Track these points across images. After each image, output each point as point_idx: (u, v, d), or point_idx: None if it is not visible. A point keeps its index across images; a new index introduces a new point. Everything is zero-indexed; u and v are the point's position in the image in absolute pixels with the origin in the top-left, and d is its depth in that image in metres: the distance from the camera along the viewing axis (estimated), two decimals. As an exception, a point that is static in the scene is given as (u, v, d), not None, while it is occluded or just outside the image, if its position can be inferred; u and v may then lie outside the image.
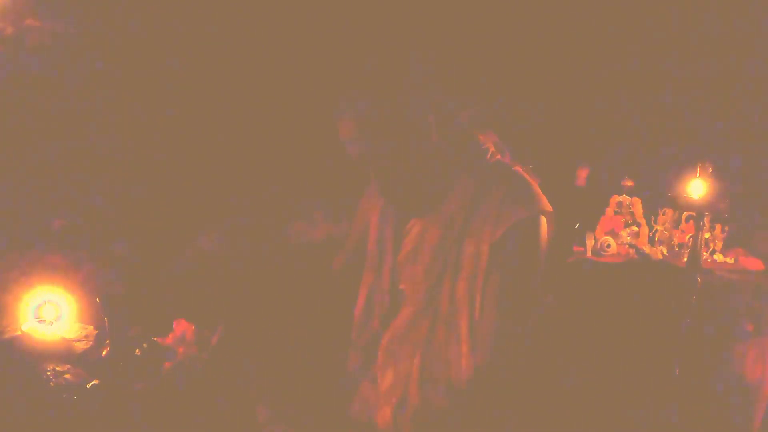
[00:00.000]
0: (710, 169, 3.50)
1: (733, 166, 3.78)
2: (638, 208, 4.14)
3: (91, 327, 2.07)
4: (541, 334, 1.65)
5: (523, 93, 3.98)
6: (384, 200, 1.77)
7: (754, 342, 3.43)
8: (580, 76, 4.21)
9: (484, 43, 3.74)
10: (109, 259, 2.57)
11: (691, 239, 3.50)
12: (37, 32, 3.08)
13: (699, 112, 4.14)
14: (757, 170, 3.93)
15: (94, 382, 1.80)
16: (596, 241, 3.95)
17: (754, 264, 3.80)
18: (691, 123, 4.14)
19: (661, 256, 3.93)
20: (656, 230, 4.10)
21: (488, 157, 1.69)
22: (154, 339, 1.97)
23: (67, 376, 1.83)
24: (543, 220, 1.60)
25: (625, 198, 4.17)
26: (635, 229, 4.09)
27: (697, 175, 3.51)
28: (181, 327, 2.00)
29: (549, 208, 1.62)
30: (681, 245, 3.96)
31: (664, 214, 4.08)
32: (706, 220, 3.57)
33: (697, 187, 3.47)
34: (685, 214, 3.99)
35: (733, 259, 3.87)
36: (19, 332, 1.98)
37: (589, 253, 3.92)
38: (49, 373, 1.83)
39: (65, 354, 1.95)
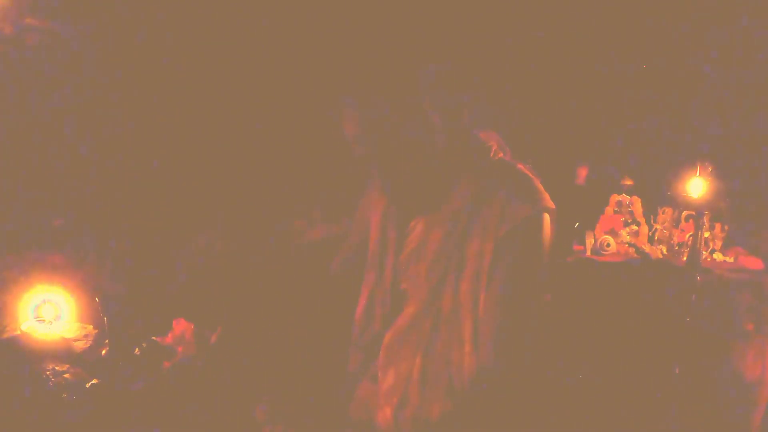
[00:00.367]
0: (710, 169, 3.50)
1: (732, 165, 3.78)
2: (638, 207, 4.14)
3: (91, 326, 2.07)
4: (541, 334, 1.65)
5: (523, 92, 3.98)
6: (386, 199, 1.76)
7: (754, 341, 3.44)
8: (579, 75, 4.20)
9: (484, 43, 3.74)
10: (109, 259, 2.57)
11: (691, 238, 3.50)
12: (37, 31, 3.08)
13: (698, 112, 4.14)
14: (757, 169, 3.93)
15: (93, 381, 1.80)
16: (596, 240, 3.95)
17: (753, 263, 3.80)
18: (691, 122, 4.14)
19: (660, 255, 3.93)
20: (656, 229, 4.10)
21: (491, 155, 1.69)
22: (154, 338, 1.96)
23: (66, 375, 1.83)
24: (546, 217, 1.60)
25: (624, 197, 4.17)
26: (635, 228, 4.09)
27: (697, 174, 3.51)
28: (181, 326, 2.00)
29: (552, 205, 1.62)
30: (681, 244, 3.96)
31: (663, 213, 4.08)
32: (705, 219, 3.57)
33: (696, 186, 3.48)
34: (685, 213, 3.99)
35: (732, 258, 3.87)
36: (18, 332, 1.98)
37: (588, 252, 3.92)
38: (48, 373, 1.83)
39: (64, 353, 1.94)
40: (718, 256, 3.88)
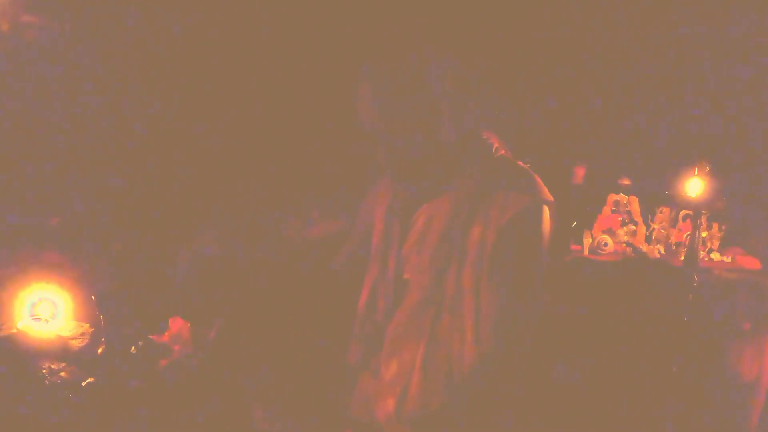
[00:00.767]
0: (707, 168, 3.50)
1: (730, 164, 3.78)
2: (635, 207, 4.14)
3: (87, 325, 2.07)
4: (539, 333, 1.66)
5: (521, 92, 3.98)
6: (391, 188, 1.81)
7: (751, 340, 3.44)
8: (577, 74, 4.20)
9: (483, 42, 3.74)
10: (105, 257, 2.57)
11: (689, 238, 3.50)
12: (35, 29, 3.08)
13: (697, 111, 4.14)
14: (755, 169, 3.93)
15: (89, 380, 1.80)
16: (593, 239, 3.95)
17: (751, 263, 3.80)
18: (689, 122, 4.14)
19: (658, 255, 3.93)
20: (653, 229, 4.10)
21: (493, 151, 1.73)
22: (150, 337, 1.96)
23: (62, 374, 1.83)
24: (546, 209, 1.64)
25: (622, 196, 4.17)
26: (632, 227, 4.09)
27: (695, 173, 3.51)
28: (177, 325, 2.00)
29: (551, 198, 1.66)
30: (678, 244, 3.96)
31: (661, 213, 4.08)
32: (703, 218, 3.57)
33: (694, 186, 3.48)
34: (683, 212, 3.99)
35: (730, 257, 3.88)
36: (14, 330, 1.97)
37: (586, 252, 3.92)
38: (44, 371, 1.83)
39: (61, 352, 1.94)
40: (715, 256, 3.88)
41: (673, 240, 4.01)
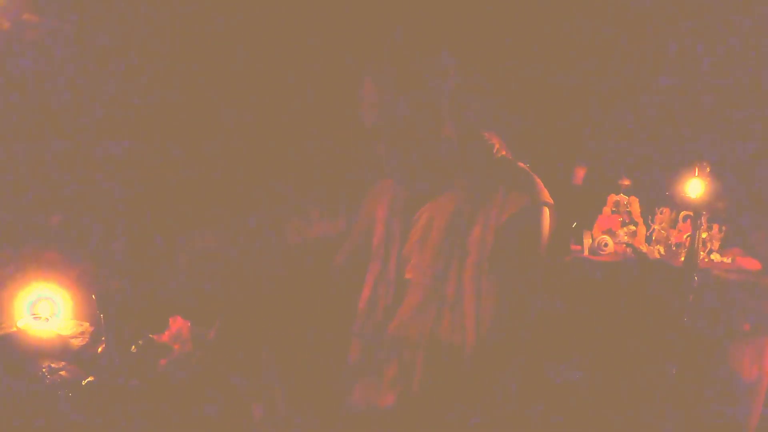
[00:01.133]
0: (708, 169, 3.50)
1: (730, 165, 3.78)
2: (635, 207, 4.14)
3: (87, 324, 2.06)
4: (539, 333, 1.66)
5: (521, 92, 3.98)
6: (392, 187, 1.83)
7: (751, 341, 3.44)
8: (577, 75, 4.20)
9: (482, 42, 3.74)
10: (105, 256, 2.57)
11: (689, 239, 3.50)
12: (35, 27, 3.07)
13: (697, 112, 4.14)
14: (755, 170, 3.93)
15: (89, 379, 1.79)
16: (593, 240, 3.95)
17: (751, 264, 3.80)
18: (689, 122, 4.14)
19: (658, 256, 3.93)
20: (653, 229, 4.10)
21: (494, 152, 1.76)
22: (150, 336, 1.96)
23: (62, 373, 1.82)
24: (545, 210, 1.66)
25: (622, 197, 4.17)
26: (632, 228, 4.09)
27: (695, 174, 3.51)
28: (177, 324, 1.99)
29: (550, 200, 1.68)
30: (678, 245, 3.96)
31: (661, 214, 4.08)
32: (703, 219, 3.57)
33: (694, 187, 3.47)
34: (683, 213, 3.99)
35: (730, 258, 3.87)
36: (14, 329, 1.97)
37: (586, 252, 3.92)
38: (44, 370, 1.82)
39: (60, 351, 1.94)
40: (715, 257, 3.88)
41: (673, 241, 4.01)
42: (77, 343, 1.98)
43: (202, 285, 2.13)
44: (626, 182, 4.20)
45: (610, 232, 4.04)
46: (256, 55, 3.52)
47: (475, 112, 1.73)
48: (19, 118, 3.06)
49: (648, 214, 4.13)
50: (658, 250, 3.98)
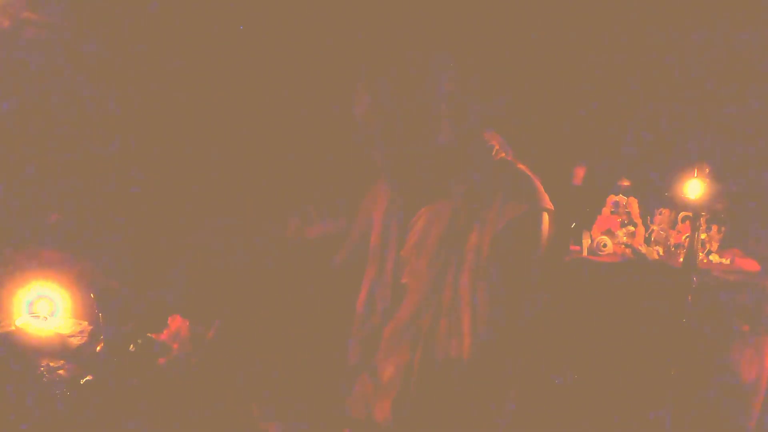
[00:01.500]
0: (707, 170, 3.50)
1: (730, 166, 3.78)
2: (635, 208, 4.14)
3: (86, 322, 2.06)
4: (538, 333, 1.66)
5: (521, 92, 3.98)
6: (389, 190, 1.80)
7: (750, 342, 3.44)
8: (577, 75, 4.20)
9: (484, 43, 3.74)
10: (104, 255, 2.57)
11: (688, 239, 3.50)
12: (35, 26, 3.07)
13: (696, 112, 4.14)
14: (755, 171, 3.93)
15: (88, 377, 1.79)
16: (593, 240, 3.95)
17: (750, 265, 3.80)
18: (689, 123, 4.14)
19: (657, 256, 3.93)
20: (652, 230, 4.09)
21: (493, 154, 1.72)
22: (149, 335, 1.96)
23: (61, 371, 1.82)
24: (544, 216, 1.64)
25: (621, 198, 4.17)
26: (631, 228, 4.08)
27: (695, 175, 3.51)
28: (176, 323, 1.99)
29: (550, 206, 1.65)
30: (677, 245, 3.96)
31: (660, 214, 4.08)
32: (702, 220, 3.57)
33: (694, 188, 3.47)
34: (682, 214, 3.99)
35: (729, 259, 3.87)
36: (13, 327, 1.97)
37: (585, 253, 3.92)
38: (43, 369, 1.82)
39: (59, 349, 1.94)
40: (714, 258, 3.88)
41: (672, 241, 4.01)
42: (76, 341, 1.98)
43: (201, 284, 2.13)
44: (625, 183, 4.20)
45: (609, 233, 4.04)
46: (256, 54, 3.52)
47: (474, 113, 1.71)
48: (18, 117, 3.05)
49: (647, 214, 4.13)
50: (657, 250, 3.98)
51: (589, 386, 3.31)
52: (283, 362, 1.91)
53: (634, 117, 4.29)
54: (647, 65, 4.22)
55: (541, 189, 1.67)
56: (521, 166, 1.72)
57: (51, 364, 1.84)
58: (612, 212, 4.15)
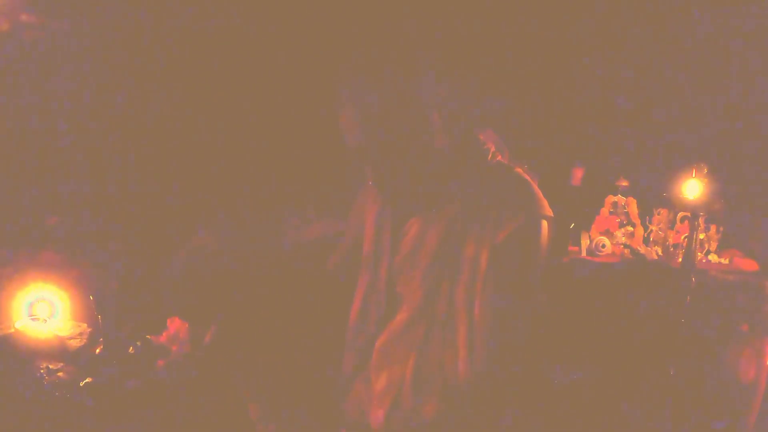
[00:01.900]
0: (705, 170, 3.50)
1: (728, 166, 3.78)
2: (633, 208, 4.14)
3: (85, 325, 2.06)
4: (536, 334, 1.64)
5: (520, 92, 3.98)
6: (381, 198, 1.75)
7: (749, 342, 3.44)
8: (575, 75, 4.21)
9: (481, 42, 3.74)
10: (103, 257, 2.57)
11: (686, 240, 3.51)
12: (33, 28, 3.07)
13: (695, 113, 4.15)
14: (752, 171, 3.93)
15: (87, 380, 1.80)
16: (591, 240, 3.95)
17: (748, 265, 3.81)
18: (687, 123, 4.15)
19: (656, 257, 3.94)
20: (651, 230, 4.10)
21: (489, 157, 1.67)
22: (148, 337, 1.96)
23: (60, 374, 1.83)
24: (544, 224, 1.59)
25: (620, 198, 4.17)
26: (630, 229, 4.09)
27: (693, 175, 3.51)
28: (175, 325, 2.00)
29: (550, 212, 1.61)
30: (676, 245, 3.96)
31: (659, 215, 4.08)
32: (701, 220, 3.58)
33: (692, 188, 3.48)
34: (680, 214, 3.99)
35: (727, 259, 3.88)
36: (12, 330, 1.97)
37: (584, 253, 3.92)
38: (42, 371, 1.83)
39: (59, 352, 1.94)
40: (713, 258, 3.89)
41: (670, 242, 4.01)
42: (75, 344, 1.98)
43: (199, 286, 2.13)
44: (624, 183, 4.20)
45: (608, 233, 4.04)
46: (255, 57, 3.52)
47: (469, 116, 1.67)
48: (17, 119, 3.06)
49: (646, 215, 4.13)
50: (656, 251, 3.99)
51: (589, 386, 3.31)
52: (281, 364, 1.91)
53: (633, 117, 4.30)
54: (646, 65, 4.22)
55: (540, 195, 1.62)
56: (518, 170, 1.67)
57: (50, 366, 1.85)
58: (610, 213, 4.16)
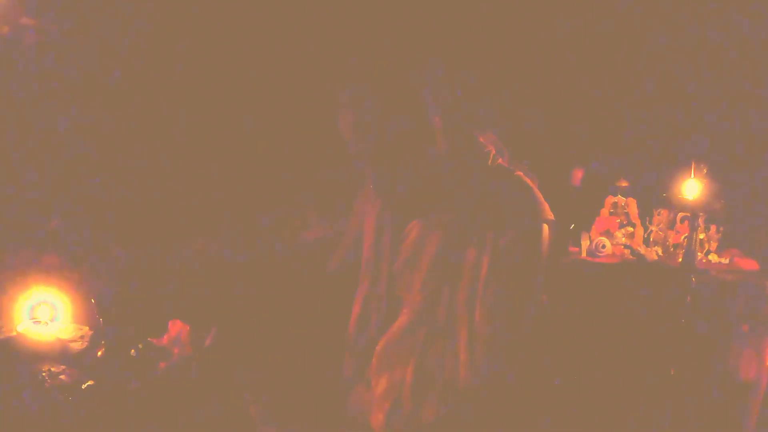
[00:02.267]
0: (705, 170, 3.51)
1: (728, 166, 3.79)
2: (633, 209, 4.15)
3: (87, 327, 2.07)
4: (536, 335, 1.64)
5: (519, 93, 3.98)
6: (380, 202, 1.74)
7: (749, 342, 3.44)
8: (575, 76, 4.21)
9: (480, 43, 3.74)
10: (105, 260, 2.57)
11: (686, 240, 3.51)
12: (34, 31, 3.08)
13: (694, 113, 4.15)
14: (752, 170, 3.94)
15: (89, 382, 1.80)
16: (591, 241, 3.95)
17: (748, 264, 3.81)
18: (687, 124, 4.15)
19: (656, 257, 3.94)
20: (651, 231, 4.10)
21: (490, 161, 1.67)
22: (150, 339, 1.96)
23: (62, 376, 1.83)
24: (545, 228, 1.58)
25: (620, 198, 4.18)
26: (630, 229, 4.09)
27: (692, 175, 3.52)
28: (177, 328, 2.00)
29: (551, 216, 1.60)
30: (676, 246, 3.97)
31: (659, 215, 4.09)
32: (700, 220, 3.58)
33: (691, 188, 3.49)
34: (680, 214, 4.00)
35: (727, 259, 3.88)
36: (14, 333, 1.98)
37: (584, 254, 3.92)
38: (44, 374, 1.83)
39: (60, 355, 1.94)
40: (713, 258, 3.89)
41: (671, 242, 4.01)
42: (77, 347, 1.99)
43: (201, 289, 2.14)
44: (624, 184, 4.21)
45: (608, 234, 4.04)
46: (255, 58, 3.52)
47: (470, 119, 1.67)
48: (18, 122, 3.06)
49: (646, 215, 4.13)
50: (656, 251, 3.99)
51: (589, 387, 3.31)
52: (282, 367, 1.91)
53: (632, 118, 4.30)
54: (645, 66, 4.23)
55: (541, 199, 1.61)
56: (519, 173, 1.66)
57: (52, 369, 1.85)
58: (610, 213, 4.16)
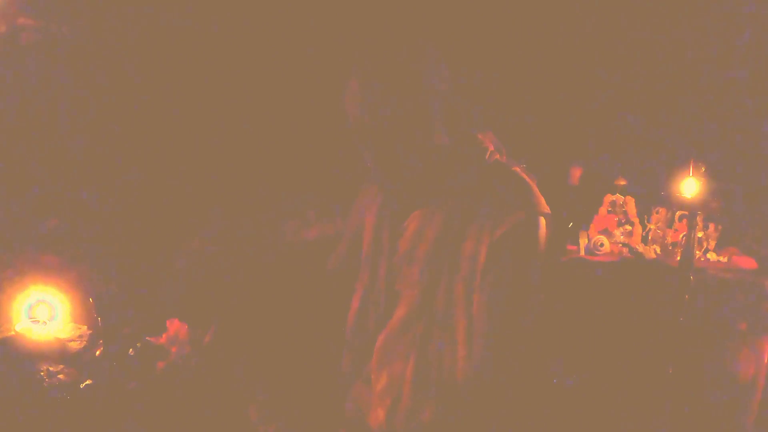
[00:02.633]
0: (703, 168, 3.51)
1: (726, 165, 3.79)
2: (631, 207, 4.15)
3: (85, 327, 2.07)
4: (534, 334, 1.65)
5: (518, 92, 3.99)
6: (380, 194, 1.76)
7: (747, 341, 3.45)
8: (573, 75, 4.21)
9: (480, 42, 3.75)
10: (103, 259, 2.57)
11: (685, 238, 3.51)
12: (31, 30, 3.08)
13: (692, 111, 4.15)
14: (750, 169, 3.94)
15: (87, 382, 1.80)
16: (590, 240, 3.96)
17: (747, 263, 3.81)
18: (685, 122, 4.16)
19: (654, 255, 3.94)
20: (649, 229, 4.11)
21: (487, 156, 1.68)
22: (148, 338, 1.97)
23: (60, 376, 1.83)
24: (542, 221, 1.59)
25: (618, 197, 4.18)
26: (628, 228, 4.10)
27: (690, 173, 3.52)
28: (175, 326, 2.00)
29: (548, 210, 1.61)
30: (674, 244, 3.97)
31: (657, 213, 4.09)
32: (699, 219, 3.58)
33: (690, 186, 3.48)
34: (679, 213, 4.00)
35: (726, 257, 3.89)
36: (12, 332, 1.98)
37: (582, 252, 3.93)
38: (42, 373, 1.83)
39: (59, 354, 1.95)
40: (711, 256, 3.89)
41: (669, 240, 4.02)
42: (75, 346, 1.99)
43: (199, 288, 2.14)
44: (622, 182, 4.21)
45: (607, 232, 4.05)
46: (253, 56, 3.52)
47: (469, 113, 1.68)
48: (16, 122, 3.06)
49: (644, 213, 4.14)
50: (655, 249, 3.99)
51: (588, 386, 3.31)
52: (281, 365, 1.91)
53: (631, 116, 4.30)
54: (643, 65, 4.23)
55: (538, 193, 1.62)
56: (516, 169, 1.67)
57: (51, 368, 1.85)
58: (609, 211, 4.16)
